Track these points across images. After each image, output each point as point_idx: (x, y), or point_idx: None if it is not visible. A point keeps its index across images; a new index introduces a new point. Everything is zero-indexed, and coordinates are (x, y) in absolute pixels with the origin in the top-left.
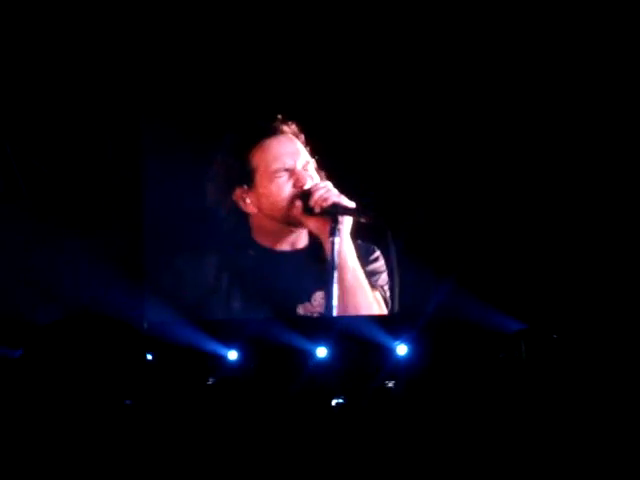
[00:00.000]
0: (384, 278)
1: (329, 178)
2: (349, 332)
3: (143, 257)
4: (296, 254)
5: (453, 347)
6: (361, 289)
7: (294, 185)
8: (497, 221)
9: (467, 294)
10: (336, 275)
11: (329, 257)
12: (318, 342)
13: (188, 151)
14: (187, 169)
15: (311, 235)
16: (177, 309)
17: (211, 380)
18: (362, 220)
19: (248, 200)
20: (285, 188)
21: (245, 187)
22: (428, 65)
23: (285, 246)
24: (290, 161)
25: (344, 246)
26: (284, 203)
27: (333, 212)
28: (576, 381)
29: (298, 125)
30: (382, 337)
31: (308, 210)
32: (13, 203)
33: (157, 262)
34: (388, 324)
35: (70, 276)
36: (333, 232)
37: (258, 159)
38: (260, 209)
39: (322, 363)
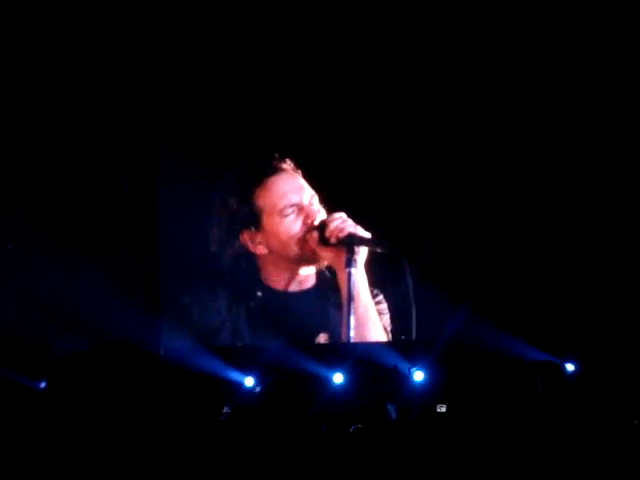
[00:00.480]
0: (387, 319)
1: (331, 211)
2: (366, 358)
3: (159, 285)
4: (304, 295)
5: (469, 374)
6: (372, 320)
7: (304, 221)
8: (513, 248)
9: (483, 321)
10: (352, 305)
11: (346, 287)
12: (335, 369)
13: (203, 181)
14: (201, 199)
15: (319, 275)
16: (193, 336)
17: (226, 408)
18: (378, 250)
19: (258, 242)
20: (295, 225)
21: (253, 229)
22: (430, 92)
23: (293, 286)
24: (296, 197)
25: (359, 277)
26: (296, 240)
27: (349, 243)
28: (591, 416)
29: (294, 161)
30: (399, 363)
31: (324, 241)
32: (32, 232)
33: (172, 290)
34: (405, 351)
35: (88, 304)
36: (349, 263)
37: (263, 199)
38: (271, 249)
39: (339, 389)
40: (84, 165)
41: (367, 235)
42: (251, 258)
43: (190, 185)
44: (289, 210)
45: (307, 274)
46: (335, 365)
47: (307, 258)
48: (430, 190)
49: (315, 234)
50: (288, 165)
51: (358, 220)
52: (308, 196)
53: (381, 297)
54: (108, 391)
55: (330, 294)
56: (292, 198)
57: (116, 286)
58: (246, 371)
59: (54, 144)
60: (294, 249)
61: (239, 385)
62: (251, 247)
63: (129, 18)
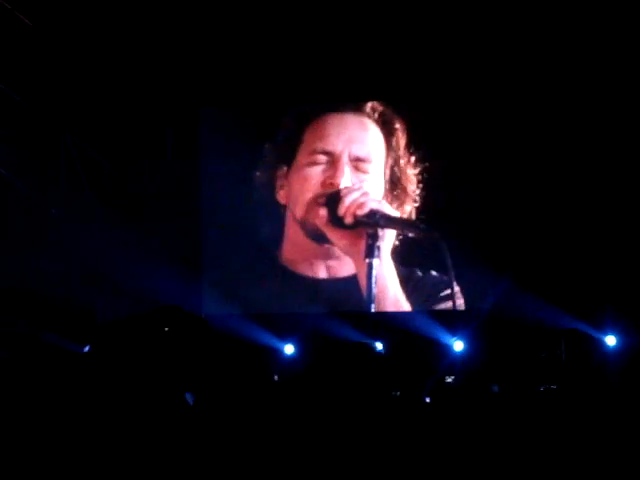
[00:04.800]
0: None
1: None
2: (408, 328)
3: (201, 251)
4: (334, 284)
5: (508, 344)
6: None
7: (324, 180)
8: (552, 220)
9: (524, 292)
10: (373, 308)
11: (365, 285)
12: (373, 338)
13: (247, 145)
14: (244, 164)
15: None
16: (233, 302)
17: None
18: (410, 235)
19: (281, 185)
20: (315, 181)
21: (285, 169)
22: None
23: (320, 272)
24: (338, 145)
25: (384, 270)
26: (305, 202)
27: (371, 224)
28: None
29: (400, 114)
30: (440, 334)
31: (336, 220)
32: (75, 198)
33: (214, 256)
34: (447, 321)
35: (130, 270)
36: (371, 251)
37: (309, 134)
38: (289, 202)
39: (380, 357)
40: (127, 131)
41: (395, 214)
42: (277, 219)
43: (233, 151)
44: (319, 157)
45: (340, 255)
46: (375, 334)
47: (319, 235)
48: (472, 170)
49: (323, 210)
50: (368, 107)
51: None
52: (359, 153)
53: (449, 290)
54: (158, 356)
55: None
56: (331, 144)
57: (159, 252)
58: (286, 339)
59: (98, 111)
60: (305, 214)
61: (279, 352)
62: (277, 194)
63: None
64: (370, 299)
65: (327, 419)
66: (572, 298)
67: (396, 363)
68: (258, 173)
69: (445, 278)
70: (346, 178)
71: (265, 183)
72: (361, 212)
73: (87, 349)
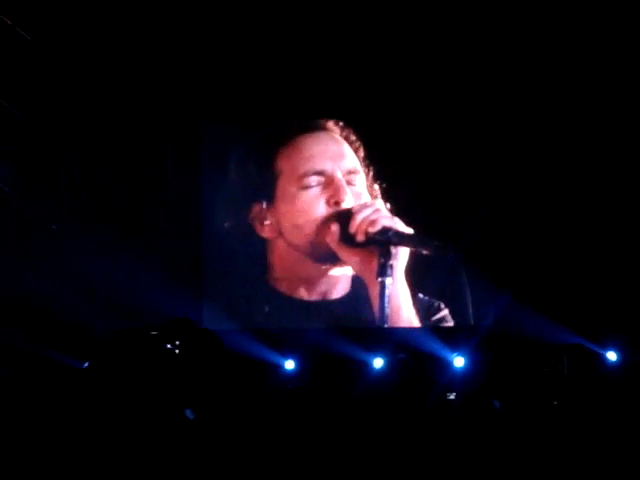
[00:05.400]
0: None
1: (387, 200)
2: (406, 344)
3: (201, 266)
4: (328, 306)
5: (509, 360)
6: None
7: (328, 200)
8: (554, 235)
9: (525, 308)
10: (387, 327)
11: (377, 305)
12: (375, 353)
13: (247, 160)
14: (245, 180)
15: (356, 280)
16: (234, 318)
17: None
18: (424, 252)
19: (267, 221)
20: (316, 203)
21: (264, 203)
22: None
23: (313, 294)
24: (327, 164)
25: (398, 289)
26: (313, 225)
27: (383, 242)
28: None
29: (351, 127)
30: (440, 349)
31: (347, 239)
32: (76, 214)
33: (214, 271)
34: (446, 337)
35: (130, 285)
36: (384, 270)
37: (284, 161)
38: (281, 233)
39: (379, 374)
40: (128, 147)
41: (408, 231)
42: (258, 247)
43: (234, 165)
44: (312, 180)
45: (336, 278)
46: (376, 350)
47: (326, 257)
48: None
49: (335, 228)
50: (337, 126)
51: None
52: (346, 168)
53: (445, 312)
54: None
55: (366, 307)
56: (320, 164)
57: (159, 267)
58: (286, 354)
59: (98, 126)
60: (310, 239)
61: (279, 368)
62: (258, 228)
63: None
64: (383, 319)
65: (328, 434)
66: (573, 314)
67: (396, 379)
68: (223, 205)
69: (435, 302)
70: (348, 195)
71: (234, 220)
72: (373, 229)
73: (86, 365)
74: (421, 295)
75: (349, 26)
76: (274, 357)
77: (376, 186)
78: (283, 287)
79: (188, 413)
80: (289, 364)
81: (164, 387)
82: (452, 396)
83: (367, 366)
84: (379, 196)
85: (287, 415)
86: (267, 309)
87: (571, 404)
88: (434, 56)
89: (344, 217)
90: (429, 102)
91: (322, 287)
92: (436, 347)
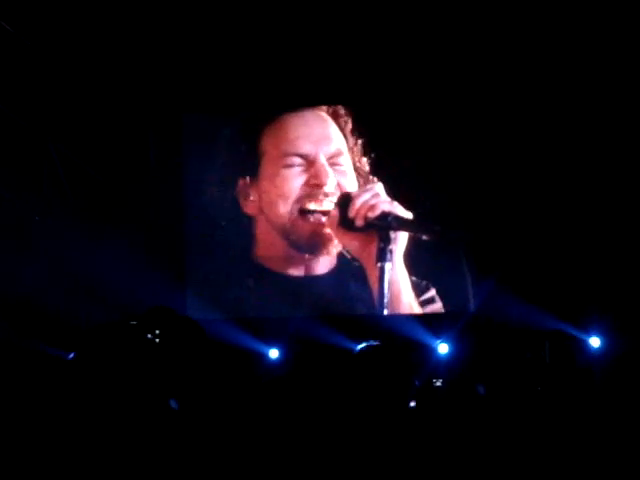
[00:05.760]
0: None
1: (375, 175)
2: (393, 331)
3: (184, 256)
4: (313, 281)
5: (492, 346)
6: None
7: (307, 181)
8: (536, 221)
9: (508, 293)
10: (386, 314)
11: (377, 288)
12: (359, 341)
13: (229, 149)
14: (227, 169)
15: (339, 258)
16: (217, 307)
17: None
18: (424, 237)
19: (251, 197)
20: (294, 183)
21: (248, 178)
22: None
23: (295, 269)
24: (310, 147)
25: (398, 274)
26: (289, 204)
27: (383, 226)
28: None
29: (344, 107)
30: (424, 336)
31: (346, 223)
32: (59, 204)
33: (197, 261)
34: (431, 324)
35: (113, 276)
36: (383, 255)
37: (268, 139)
38: (262, 210)
39: (362, 361)
40: (110, 137)
41: (408, 215)
42: (243, 221)
43: (216, 154)
44: (293, 160)
45: (318, 255)
46: (363, 337)
47: (302, 244)
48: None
49: (335, 213)
50: (323, 108)
51: (406, 198)
52: (331, 150)
53: (433, 292)
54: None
55: (354, 286)
56: (303, 146)
57: (142, 257)
58: (271, 343)
59: (80, 117)
60: (286, 219)
61: (264, 357)
62: (242, 203)
63: None
64: (382, 304)
65: (316, 424)
66: (557, 299)
67: (379, 367)
68: (210, 178)
69: (423, 282)
70: (330, 177)
71: (219, 194)
72: (372, 214)
73: (72, 355)
74: (413, 277)
75: (332, 7)
76: (258, 345)
77: (364, 159)
78: (268, 263)
79: (172, 403)
80: (273, 353)
81: (146, 378)
82: (439, 383)
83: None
84: (369, 171)
85: (272, 404)
86: (252, 283)
87: (552, 391)
88: (432, 30)
89: (343, 203)
90: (425, 79)
91: (305, 264)
92: (420, 334)
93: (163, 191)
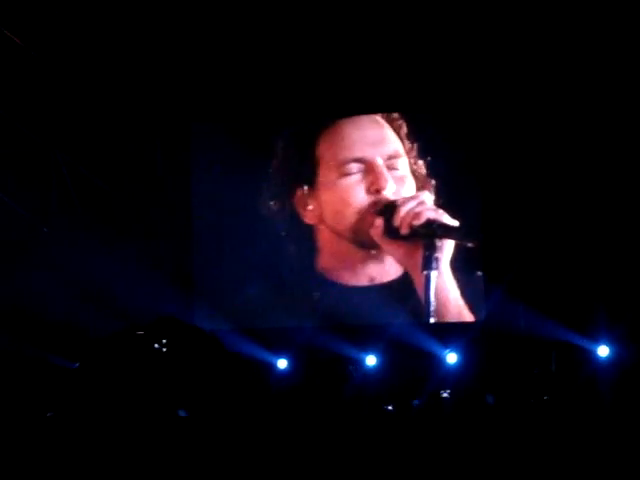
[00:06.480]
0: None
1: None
2: (400, 341)
3: (193, 267)
4: (375, 291)
5: (501, 356)
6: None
7: (368, 188)
8: (545, 231)
9: (517, 303)
10: (432, 320)
11: (423, 297)
12: (368, 351)
13: (239, 160)
14: (238, 179)
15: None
16: (226, 317)
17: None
18: (469, 245)
19: (310, 206)
20: (357, 191)
21: (305, 188)
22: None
23: (362, 279)
24: (367, 150)
25: (445, 282)
26: (354, 213)
27: (428, 234)
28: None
29: (399, 113)
30: (432, 346)
31: (391, 232)
32: (67, 216)
33: (206, 272)
34: (439, 333)
35: (122, 286)
36: (429, 263)
37: (325, 146)
38: (323, 220)
39: (372, 371)
40: (118, 148)
41: (454, 223)
42: (305, 231)
43: (224, 166)
44: (352, 167)
45: (383, 263)
46: (367, 347)
47: (370, 244)
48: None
49: (379, 222)
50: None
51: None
52: (388, 153)
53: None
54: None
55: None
56: (360, 150)
57: (150, 268)
58: (279, 353)
59: (88, 128)
60: (351, 226)
61: (272, 367)
62: (301, 213)
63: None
64: (429, 311)
65: (323, 432)
66: (565, 309)
67: (390, 376)
68: (265, 188)
69: None
70: (390, 182)
71: (276, 204)
72: (417, 222)
73: (78, 365)
74: None
75: (339, 18)
76: (267, 356)
77: (421, 162)
78: (331, 274)
79: (181, 413)
80: (282, 363)
81: (154, 387)
82: (446, 394)
83: (361, 364)
84: (426, 174)
85: (280, 413)
86: (318, 295)
87: (559, 400)
88: (483, 37)
89: (388, 210)
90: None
91: (369, 271)
92: (429, 344)
93: (171, 200)
